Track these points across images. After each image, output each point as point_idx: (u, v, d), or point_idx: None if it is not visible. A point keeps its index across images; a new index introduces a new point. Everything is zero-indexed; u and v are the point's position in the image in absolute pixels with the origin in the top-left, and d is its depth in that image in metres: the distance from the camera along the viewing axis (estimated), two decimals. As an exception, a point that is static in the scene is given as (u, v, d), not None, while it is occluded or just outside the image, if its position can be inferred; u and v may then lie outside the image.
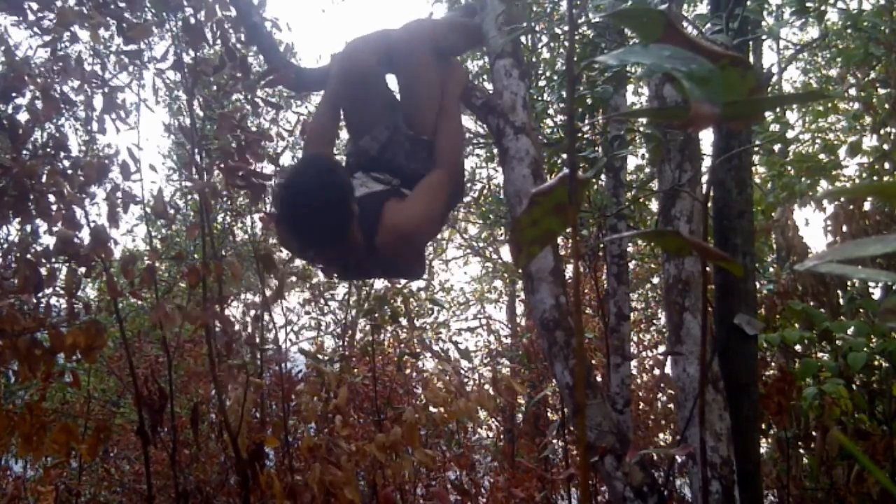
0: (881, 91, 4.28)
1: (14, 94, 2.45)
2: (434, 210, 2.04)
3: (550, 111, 3.81)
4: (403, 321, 5.04)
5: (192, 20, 2.58)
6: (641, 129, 2.96)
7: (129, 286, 2.67)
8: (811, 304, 3.47)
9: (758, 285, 3.29)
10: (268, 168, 2.61)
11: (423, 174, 2.12)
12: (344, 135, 2.79)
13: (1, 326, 2.19)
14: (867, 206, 3.80)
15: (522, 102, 2.10)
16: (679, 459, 3.24)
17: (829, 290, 3.51)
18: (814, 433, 3.28)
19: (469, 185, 8.51)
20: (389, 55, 2.22)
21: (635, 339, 6.98)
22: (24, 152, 2.42)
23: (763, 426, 3.29)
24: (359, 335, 6.32)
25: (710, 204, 2.28)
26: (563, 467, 4.47)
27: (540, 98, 3.81)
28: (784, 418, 2.92)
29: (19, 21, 2.42)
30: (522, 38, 3.73)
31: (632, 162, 5.76)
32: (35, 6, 2.42)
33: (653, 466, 3.23)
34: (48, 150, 2.49)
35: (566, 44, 3.22)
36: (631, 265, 6.66)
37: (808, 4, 2.55)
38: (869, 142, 4.37)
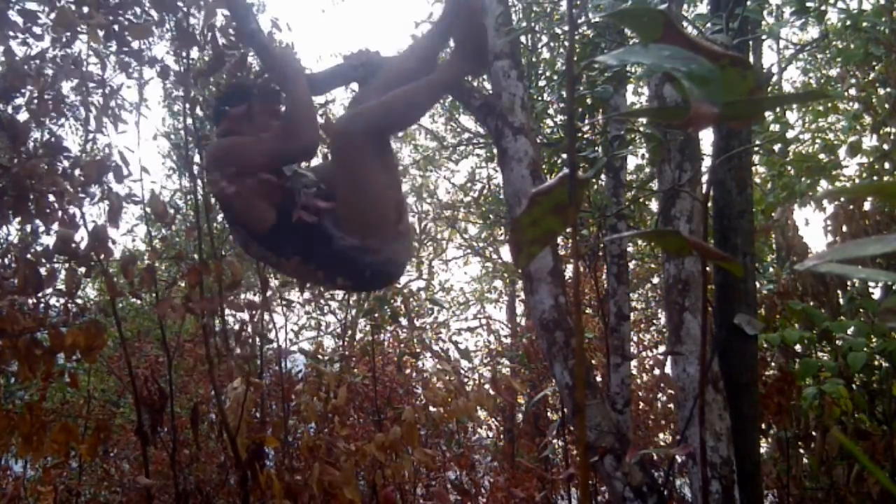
0: (881, 91, 4.28)
1: (14, 95, 2.44)
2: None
3: (550, 111, 3.81)
4: (403, 321, 5.04)
5: (187, 22, 2.57)
6: (641, 129, 2.96)
7: (129, 286, 2.66)
8: (811, 304, 3.46)
9: (758, 285, 3.29)
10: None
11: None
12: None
13: (1, 326, 2.19)
14: (867, 206, 3.79)
15: (521, 103, 2.10)
16: (679, 459, 3.24)
17: (829, 290, 3.50)
18: (814, 433, 3.28)
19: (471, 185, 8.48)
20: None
21: (635, 339, 6.97)
22: (22, 151, 2.42)
23: (763, 426, 3.29)
24: (359, 335, 6.31)
25: (710, 204, 2.28)
26: (563, 467, 4.47)
27: (540, 98, 3.81)
28: (784, 418, 2.92)
29: (7, 35, 2.41)
30: (522, 38, 3.73)
31: (632, 162, 5.75)
32: (22, 21, 2.41)
33: (653, 466, 3.22)
34: (47, 149, 2.49)
35: (566, 44, 3.22)
36: (631, 265, 6.65)
37: (809, 4, 2.55)
38: (869, 142, 4.37)
